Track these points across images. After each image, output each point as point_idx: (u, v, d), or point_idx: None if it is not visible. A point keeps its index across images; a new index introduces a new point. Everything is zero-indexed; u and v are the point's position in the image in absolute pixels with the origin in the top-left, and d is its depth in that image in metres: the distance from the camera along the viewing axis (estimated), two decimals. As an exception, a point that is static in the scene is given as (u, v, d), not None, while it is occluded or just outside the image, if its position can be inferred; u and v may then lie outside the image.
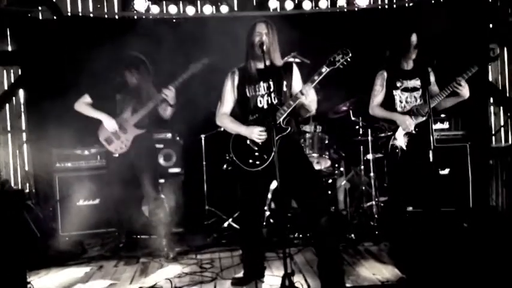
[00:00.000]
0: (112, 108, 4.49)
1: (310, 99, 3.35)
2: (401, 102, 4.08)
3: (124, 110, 4.48)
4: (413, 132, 3.98)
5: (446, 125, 5.48)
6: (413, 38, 4.02)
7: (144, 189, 4.51)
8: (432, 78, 4.13)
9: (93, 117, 4.49)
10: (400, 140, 4.02)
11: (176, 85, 4.24)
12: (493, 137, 6.28)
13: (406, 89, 4.07)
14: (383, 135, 4.13)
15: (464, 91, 3.88)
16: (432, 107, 3.89)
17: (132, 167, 4.47)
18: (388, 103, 4.12)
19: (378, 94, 4.16)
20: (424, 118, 3.94)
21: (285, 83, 3.45)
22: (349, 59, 3.26)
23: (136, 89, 4.49)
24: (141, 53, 4.56)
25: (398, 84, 4.07)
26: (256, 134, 3.36)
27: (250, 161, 3.39)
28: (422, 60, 4.02)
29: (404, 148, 4.01)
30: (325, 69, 3.28)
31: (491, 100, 6.35)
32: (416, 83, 4.05)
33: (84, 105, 4.52)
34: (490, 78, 6.30)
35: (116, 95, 4.51)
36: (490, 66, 6.28)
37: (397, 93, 4.08)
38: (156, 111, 4.46)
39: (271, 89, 3.39)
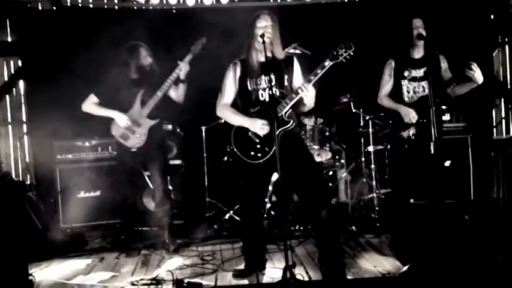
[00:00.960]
0: (120, 104, 4.35)
1: (310, 95, 3.32)
2: (408, 92, 4.05)
3: (133, 103, 4.33)
4: (421, 121, 3.94)
5: (447, 117, 5.47)
6: (416, 23, 3.96)
7: (154, 179, 4.46)
8: (444, 65, 4.06)
9: (104, 116, 4.38)
10: (408, 131, 4.00)
11: (187, 61, 4.20)
12: (494, 129, 6.26)
13: (414, 79, 4.03)
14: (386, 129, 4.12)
15: (477, 75, 3.76)
16: (445, 94, 3.86)
17: (142, 158, 4.41)
18: (396, 93, 4.08)
19: (386, 84, 4.13)
20: (434, 108, 3.89)
21: (286, 76, 3.43)
22: (352, 53, 3.26)
23: (144, 76, 4.36)
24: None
25: (405, 74, 4.03)
26: (259, 126, 3.34)
27: (252, 153, 3.38)
28: (432, 48, 3.96)
29: (412, 138, 3.99)
30: (328, 63, 3.28)
31: (493, 92, 6.33)
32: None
33: (92, 105, 4.40)
34: (491, 70, 6.28)
35: (121, 90, 4.35)
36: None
37: (404, 83, 4.04)
38: (165, 100, 4.35)
39: (273, 83, 3.36)
